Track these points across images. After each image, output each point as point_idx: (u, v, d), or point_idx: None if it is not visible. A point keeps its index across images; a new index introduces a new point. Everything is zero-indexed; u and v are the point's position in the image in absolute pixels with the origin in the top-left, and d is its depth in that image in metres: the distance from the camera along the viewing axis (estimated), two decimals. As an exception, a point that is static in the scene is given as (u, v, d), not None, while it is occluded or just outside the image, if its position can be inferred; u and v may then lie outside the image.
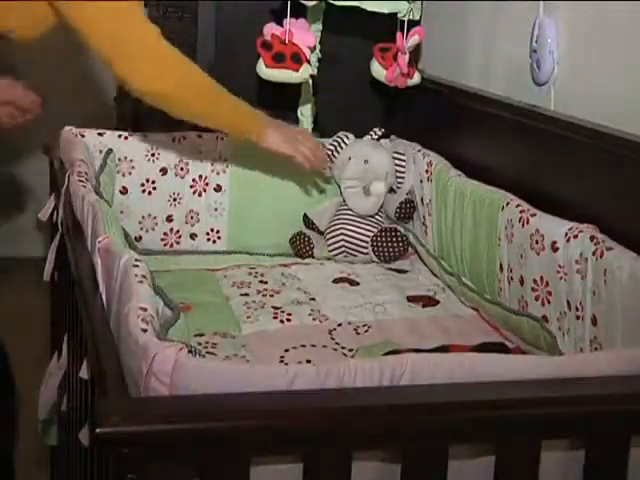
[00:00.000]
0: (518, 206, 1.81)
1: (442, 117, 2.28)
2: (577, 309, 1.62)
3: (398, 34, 2.18)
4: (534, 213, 1.76)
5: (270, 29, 2.12)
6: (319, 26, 2.30)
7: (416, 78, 2.25)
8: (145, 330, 1.19)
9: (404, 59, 2.18)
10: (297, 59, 2.10)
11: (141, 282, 1.36)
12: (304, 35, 2.12)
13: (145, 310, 1.25)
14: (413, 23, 2.20)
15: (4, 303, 3.33)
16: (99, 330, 1.36)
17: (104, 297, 1.50)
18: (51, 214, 2.11)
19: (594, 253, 1.59)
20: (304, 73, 2.12)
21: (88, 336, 1.41)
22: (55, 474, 2.29)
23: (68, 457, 1.86)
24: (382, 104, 2.47)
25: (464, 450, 1.12)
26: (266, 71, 2.11)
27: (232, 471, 1.05)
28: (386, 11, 2.16)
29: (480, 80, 2.23)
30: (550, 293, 1.69)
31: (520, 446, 1.11)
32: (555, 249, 1.67)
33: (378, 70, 2.24)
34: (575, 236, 1.64)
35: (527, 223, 1.76)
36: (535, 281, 1.73)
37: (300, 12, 2.16)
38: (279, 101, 2.35)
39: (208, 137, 2.26)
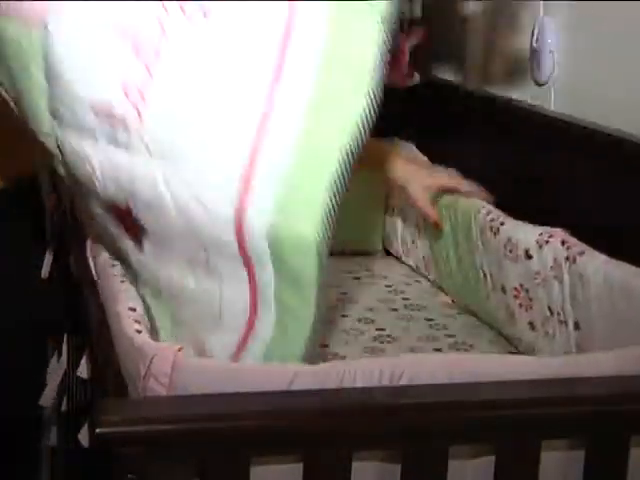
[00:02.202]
0: (488, 214, 1.81)
1: (442, 117, 2.28)
2: (559, 314, 1.62)
3: (400, 34, 2.18)
4: (503, 222, 1.76)
5: None
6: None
7: (415, 78, 2.24)
8: (139, 331, 1.19)
9: (405, 59, 2.18)
10: None
11: (122, 282, 1.36)
12: None
13: (134, 310, 1.25)
14: (412, 23, 2.20)
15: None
16: (98, 330, 1.37)
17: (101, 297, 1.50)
18: (51, 213, 2.11)
19: (567, 258, 1.59)
20: None
21: (87, 336, 1.41)
22: (55, 474, 2.29)
23: (68, 457, 1.86)
24: (382, 104, 2.46)
25: (464, 450, 1.12)
26: None
27: (232, 471, 1.05)
28: None
29: (480, 80, 2.23)
30: (531, 299, 1.69)
31: (520, 446, 1.11)
32: (529, 256, 1.67)
33: None
34: (547, 242, 1.64)
35: (498, 232, 1.76)
36: (516, 289, 1.73)
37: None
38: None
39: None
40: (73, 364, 1.69)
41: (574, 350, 1.58)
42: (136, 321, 1.21)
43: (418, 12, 2.22)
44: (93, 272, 1.55)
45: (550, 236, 1.64)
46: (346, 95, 1.17)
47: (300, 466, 1.07)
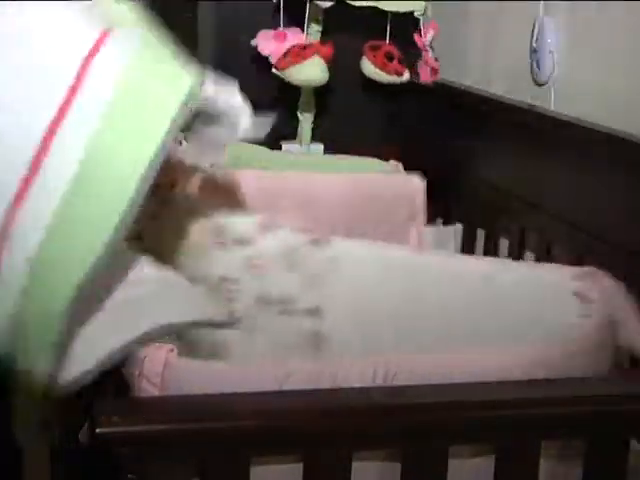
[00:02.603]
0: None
1: (442, 117, 2.28)
2: (285, 302, 1.57)
3: (416, 34, 2.19)
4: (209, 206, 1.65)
5: (265, 36, 2.15)
6: (319, 27, 2.30)
7: (406, 76, 2.25)
8: None
9: (429, 56, 2.19)
10: None
11: None
12: (296, 36, 2.15)
13: None
14: (406, 22, 2.21)
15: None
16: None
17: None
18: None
19: (306, 244, 1.55)
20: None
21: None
22: (55, 474, 2.29)
23: (68, 457, 1.86)
24: (381, 104, 2.46)
25: (464, 450, 1.12)
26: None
27: (232, 471, 1.05)
28: (403, 10, 2.18)
29: (480, 80, 2.23)
30: (239, 291, 1.60)
31: (520, 446, 1.11)
32: (247, 243, 1.59)
33: (369, 68, 2.24)
34: (270, 228, 1.58)
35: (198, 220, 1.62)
36: (225, 279, 1.62)
37: (298, 12, 2.17)
38: (279, 101, 2.35)
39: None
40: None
41: (310, 337, 1.54)
42: None
43: (430, 11, 2.23)
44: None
45: (273, 223, 1.58)
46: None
47: (300, 466, 1.07)
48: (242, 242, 1.60)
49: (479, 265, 1.51)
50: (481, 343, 1.37)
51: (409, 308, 1.48)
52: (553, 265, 1.53)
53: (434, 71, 2.21)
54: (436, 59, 2.22)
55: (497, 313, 1.44)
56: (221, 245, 1.61)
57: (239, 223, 1.61)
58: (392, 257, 1.53)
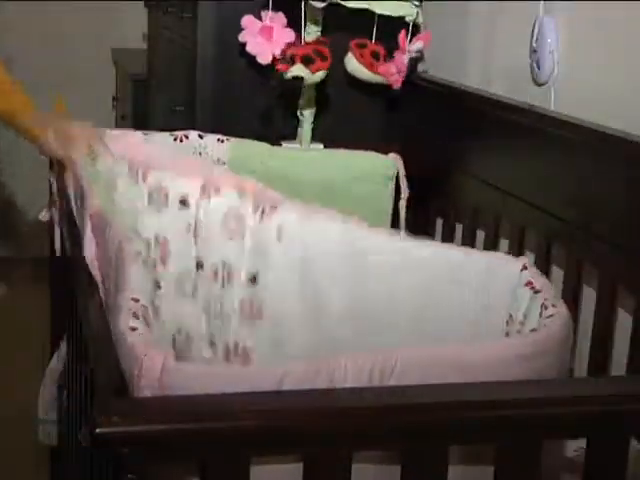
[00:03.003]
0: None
1: (442, 117, 2.28)
2: (223, 269, 1.57)
3: (402, 33, 2.19)
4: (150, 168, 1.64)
5: (249, 21, 2.16)
6: (318, 28, 2.30)
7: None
8: (134, 329, 1.18)
9: (403, 59, 2.19)
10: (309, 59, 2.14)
11: (135, 260, 1.33)
12: (282, 30, 2.16)
13: (137, 301, 1.24)
14: (415, 27, 2.22)
15: (4, 303, 3.34)
16: (98, 329, 1.36)
17: (98, 274, 1.47)
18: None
19: (252, 212, 1.55)
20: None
21: (87, 335, 1.41)
22: (55, 474, 2.29)
23: (68, 457, 1.86)
24: (381, 104, 2.47)
25: (464, 450, 1.12)
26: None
27: (232, 471, 1.05)
28: (394, 14, 2.18)
29: (480, 80, 2.23)
30: (176, 254, 1.60)
31: (520, 446, 1.11)
32: (185, 205, 1.59)
33: (353, 65, 2.25)
34: (217, 191, 1.58)
35: (145, 179, 1.62)
36: (160, 239, 1.61)
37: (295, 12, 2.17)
38: (279, 101, 2.35)
39: (209, 139, 2.25)
40: (73, 363, 1.69)
41: (247, 305, 1.55)
42: (134, 315, 1.21)
43: (421, 16, 2.23)
44: (88, 243, 1.49)
45: (217, 189, 1.57)
46: None
47: (300, 466, 1.07)
48: (184, 204, 1.58)
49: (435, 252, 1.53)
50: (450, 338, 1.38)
51: (360, 288, 1.48)
52: (497, 254, 1.56)
53: (401, 74, 2.21)
54: (409, 68, 2.23)
55: (460, 307, 1.45)
56: (161, 205, 1.59)
57: (181, 185, 1.58)
58: (343, 231, 1.51)
